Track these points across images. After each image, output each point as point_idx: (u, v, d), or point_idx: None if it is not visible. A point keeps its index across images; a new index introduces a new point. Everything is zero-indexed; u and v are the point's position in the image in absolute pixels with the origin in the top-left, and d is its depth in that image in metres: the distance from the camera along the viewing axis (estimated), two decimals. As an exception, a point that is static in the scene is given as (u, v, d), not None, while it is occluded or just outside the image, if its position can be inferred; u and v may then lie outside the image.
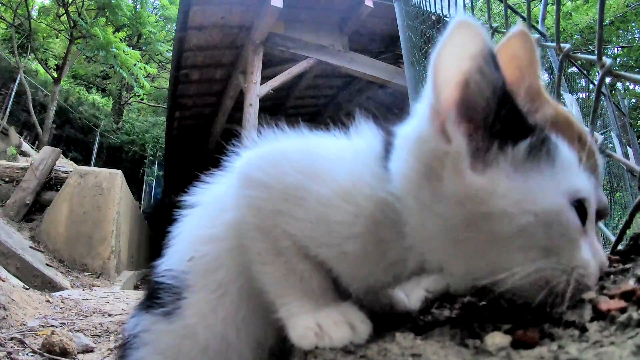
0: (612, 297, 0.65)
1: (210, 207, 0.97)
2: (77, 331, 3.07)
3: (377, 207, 0.72)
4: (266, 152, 0.87)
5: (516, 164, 0.64)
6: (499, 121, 0.64)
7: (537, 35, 1.38)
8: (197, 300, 0.91)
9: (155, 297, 0.96)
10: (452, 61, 0.63)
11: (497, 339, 0.59)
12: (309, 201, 0.77)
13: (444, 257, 0.69)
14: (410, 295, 0.96)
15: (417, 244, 0.70)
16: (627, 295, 0.62)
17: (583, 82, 6.18)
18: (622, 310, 0.57)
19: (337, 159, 0.80)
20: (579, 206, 0.65)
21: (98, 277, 6.51)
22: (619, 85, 13.29)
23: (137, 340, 0.96)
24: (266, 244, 0.81)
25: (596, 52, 1.08)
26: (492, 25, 1.69)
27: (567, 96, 1.45)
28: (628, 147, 6.52)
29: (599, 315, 0.60)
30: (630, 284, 0.69)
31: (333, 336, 0.72)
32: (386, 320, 0.82)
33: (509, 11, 1.68)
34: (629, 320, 0.53)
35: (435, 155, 0.65)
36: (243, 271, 0.87)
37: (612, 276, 0.79)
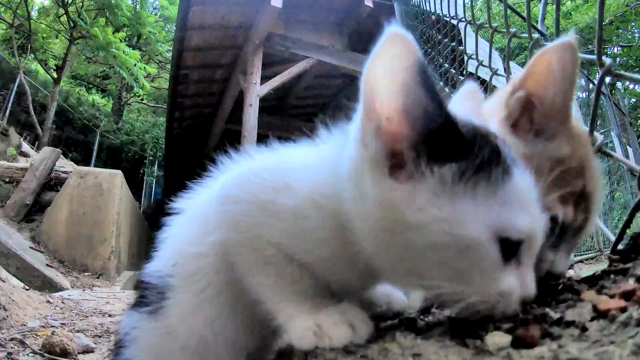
0: (612, 296, 0.65)
1: (194, 223, 0.99)
2: (78, 331, 3.07)
3: (334, 211, 0.74)
4: (240, 173, 0.91)
5: (445, 183, 0.64)
6: (425, 138, 0.64)
7: (536, 35, 1.38)
8: (179, 300, 0.93)
9: (143, 296, 0.99)
10: (383, 72, 0.64)
11: (497, 339, 0.59)
12: (283, 212, 0.79)
13: (378, 259, 0.72)
14: (411, 295, 0.96)
15: (361, 242, 0.72)
16: (627, 295, 0.62)
17: (583, 82, 6.19)
18: (622, 310, 0.57)
19: (303, 168, 0.82)
20: (507, 241, 0.65)
21: (98, 278, 6.51)
22: (618, 84, 13.32)
23: (127, 338, 0.98)
24: (252, 256, 0.83)
25: (596, 52, 1.08)
26: (492, 25, 1.69)
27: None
28: (628, 147, 6.53)
29: (599, 314, 0.60)
30: (630, 283, 0.69)
31: (333, 336, 0.72)
32: (387, 319, 0.82)
33: (509, 11, 1.68)
34: (629, 319, 0.53)
35: (354, 160, 0.69)
36: (225, 287, 0.90)
37: (612, 276, 0.79)
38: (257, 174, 0.86)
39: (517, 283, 0.67)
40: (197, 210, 0.99)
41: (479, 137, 0.67)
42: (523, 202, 0.66)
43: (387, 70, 0.64)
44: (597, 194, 0.84)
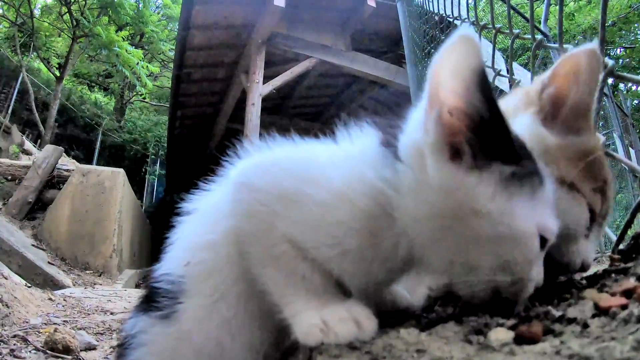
0: (613, 294, 0.66)
1: (207, 215, 0.98)
2: (80, 329, 3.08)
3: (372, 201, 0.77)
4: (260, 161, 0.90)
5: (503, 180, 0.70)
6: (480, 137, 0.70)
7: (539, 36, 1.39)
8: (193, 305, 0.92)
9: (153, 300, 0.97)
10: (451, 66, 0.68)
11: (500, 335, 0.59)
12: (305, 204, 0.79)
13: (427, 244, 0.74)
14: (413, 293, 0.97)
15: (407, 229, 0.75)
16: (628, 293, 0.63)
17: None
18: (623, 307, 0.58)
19: (329, 164, 0.83)
20: (542, 238, 0.73)
21: (100, 276, 6.52)
22: (621, 86, 13.31)
23: (135, 340, 0.97)
24: (264, 248, 0.83)
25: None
26: (495, 25, 1.70)
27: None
28: (630, 148, 6.52)
29: (600, 312, 0.61)
30: (632, 281, 0.70)
31: (338, 332, 0.72)
32: (391, 316, 0.83)
33: (512, 11, 1.68)
34: (630, 316, 0.54)
35: (415, 145, 0.73)
36: (240, 277, 0.88)
37: (613, 275, 0.80)
38: (279, 163, 0.86)
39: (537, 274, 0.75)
40: (209, 207, 0.98)
41: (523, 146, 0.76)
42: (552, 208, 0.75)
43: (455, 65, 0.68)
44: (612, 183, 0.90)
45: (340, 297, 0.82)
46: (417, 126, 0.74)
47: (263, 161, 0.90)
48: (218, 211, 0.93)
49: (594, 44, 0.84)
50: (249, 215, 0.84)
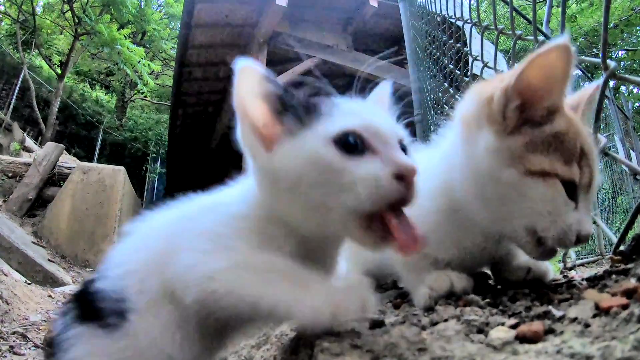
0: (614, 294, 0.66)
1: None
2: (80, 326, 3.08)
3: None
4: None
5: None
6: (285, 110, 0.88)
7: (541, 38, 1.39)
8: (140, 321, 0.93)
9: (94, 309, 0.96)
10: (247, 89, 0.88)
11: (501, 334, 0.60)
12: None
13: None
14: (414, 293, 0.98)
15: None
16: (628, 293, 0.63)
17: (586, 85, 6.19)
18: (624, 307, 0.58)
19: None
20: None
21: (100, 273, 6.52)
22: (622, 88, 13.31)
23: (67, 344, 0.96)
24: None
25: (600, 55, 1.09)
26: (498, 27, 1.70)
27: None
28: (631, 151, 6.52)
29: (601, 312, 0.61)
30: (632, 282, 0.70)
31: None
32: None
33: (514, 13, 1.68)
34: (631, 316, 0.54)
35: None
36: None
37: (613, 276, 0.80)
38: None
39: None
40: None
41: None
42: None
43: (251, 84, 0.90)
44: (594, 152, 0.92)
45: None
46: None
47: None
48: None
49: (564, 39, 0.84)
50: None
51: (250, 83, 0.88)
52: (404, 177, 0.76)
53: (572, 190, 0.88)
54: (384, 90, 1.12)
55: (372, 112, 0.89)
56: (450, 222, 1.02)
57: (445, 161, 1.05)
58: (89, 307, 0.98)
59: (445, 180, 1.02)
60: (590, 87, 1.05)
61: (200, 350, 0.95)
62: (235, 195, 0.98)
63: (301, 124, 0.84)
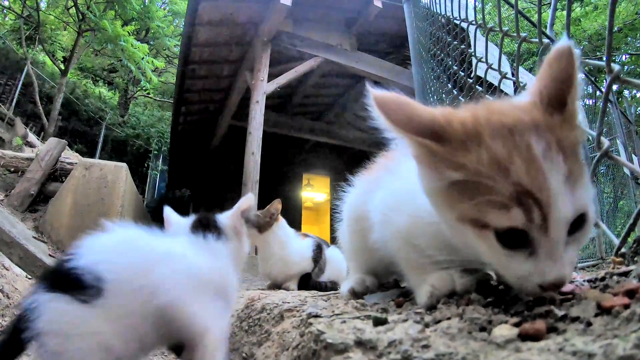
0: (615, 294, 0.66)
1: None
2: (80, 321, 3.09)
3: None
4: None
5: None
6: None
7: (546, 41, 1.39)
8: None
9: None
10: None
11: (504, 332, 0.60)
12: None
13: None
14: (417, 292, 0.98)
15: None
16: (630, 293, 0.64)
17: (590, 89, 6.19)
18: (626, 307, 0.59)
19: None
20: None
21: (100, 269, 6.52)
22: (625, 92, 13.29)
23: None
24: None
25: (605, 58, 1.09)
26: (503, 29, 1.70)
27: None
28: (633, 155, 6.51)
29: (603, 311, 0.61)
30: (634, 282, 0.70)
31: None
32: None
33: (519, 15, 1.69)
34: (632, 315, 0.55)
35: None
36: None
37: (615, 277, 0.81)
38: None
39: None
40: None
41: None
42: None
43: None
44: (547, 179, 0.84)
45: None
46: None
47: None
48: None
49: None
50: None
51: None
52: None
53: (519, 237, 0.73)
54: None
55: None
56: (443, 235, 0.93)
57: None
58: None
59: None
60: (555, 54, 0.80)
61: None
62: None
63: None
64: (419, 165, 0.83)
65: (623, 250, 1.04)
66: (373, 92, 0.80)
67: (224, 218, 1.43)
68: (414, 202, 0.95)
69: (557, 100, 0.77)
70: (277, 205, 2.79)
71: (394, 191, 1.07)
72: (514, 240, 0.73)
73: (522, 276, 0.74)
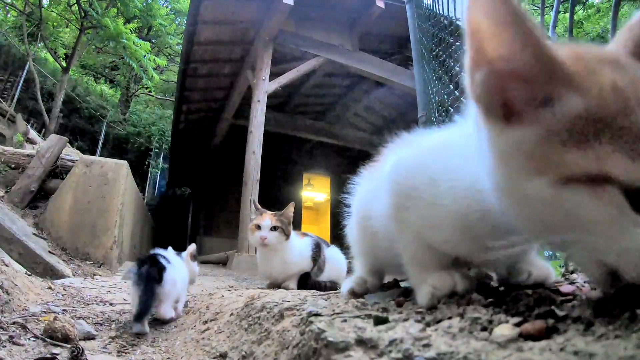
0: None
1: None
2: (79, 318, 3.09)
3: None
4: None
5: None
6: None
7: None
8: None
9: None
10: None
11: (505, 331, 0.60)
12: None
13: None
14: (418, 291, 0.98)
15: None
16: (631, 294, 0.64)
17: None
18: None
19: None
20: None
21: (100, 267, 6.51)
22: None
23: None
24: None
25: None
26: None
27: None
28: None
29: (604, 311, 0.61)
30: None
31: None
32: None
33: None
34: (633, 315, 0.54)
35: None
36: None
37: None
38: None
39: None
40: None
41: None
42: None
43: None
44: None
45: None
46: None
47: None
48: None
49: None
50: None
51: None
52: None
53: None
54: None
55: None
56: (470, 226, 0.83)
57: (466, 158, 0.80)
58: None
59: (471, 183, 0.78)
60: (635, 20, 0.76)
61: None
62: None
63: None
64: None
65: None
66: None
67: None
68: (435, 188, 0.89)
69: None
70: (292, 208, 2.84)
71: (411, 176, 0.97)
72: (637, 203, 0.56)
73: None
